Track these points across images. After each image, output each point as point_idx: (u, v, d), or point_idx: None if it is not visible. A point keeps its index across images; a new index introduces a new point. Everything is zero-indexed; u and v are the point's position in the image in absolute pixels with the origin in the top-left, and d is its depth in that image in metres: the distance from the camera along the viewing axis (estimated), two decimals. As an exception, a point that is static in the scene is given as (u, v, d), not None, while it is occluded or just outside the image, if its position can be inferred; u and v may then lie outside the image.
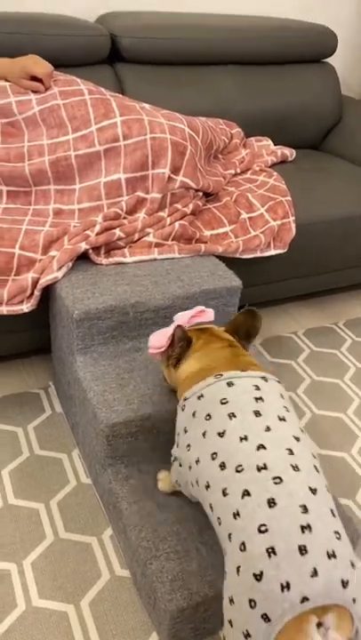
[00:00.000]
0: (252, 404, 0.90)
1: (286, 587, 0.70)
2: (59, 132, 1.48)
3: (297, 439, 0.86)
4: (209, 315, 1.14)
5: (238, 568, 0.75)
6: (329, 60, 2.45)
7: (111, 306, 1.26)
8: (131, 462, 1.22)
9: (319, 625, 0.70)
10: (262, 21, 2.13)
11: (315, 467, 0.84)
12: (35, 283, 1.33)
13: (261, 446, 0.83)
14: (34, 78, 1.50)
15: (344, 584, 0.71)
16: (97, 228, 1.37)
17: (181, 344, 1.06)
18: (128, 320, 1.30)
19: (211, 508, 0.86)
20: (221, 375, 0.96)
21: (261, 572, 0.72)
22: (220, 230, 1.57)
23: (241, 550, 0.76)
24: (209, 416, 0.91)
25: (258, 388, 0.93)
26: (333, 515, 0.78)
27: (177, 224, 1.46)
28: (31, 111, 1.49)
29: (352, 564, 0.73)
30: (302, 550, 0.72)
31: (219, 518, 0.83)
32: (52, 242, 1.36)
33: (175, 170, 1.50)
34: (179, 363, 1.07)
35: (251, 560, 0.74)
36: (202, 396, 0.95)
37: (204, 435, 0.91)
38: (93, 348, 1.30)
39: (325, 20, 2.42)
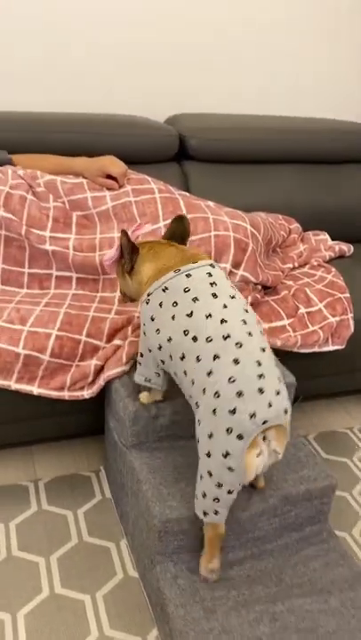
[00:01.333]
0: (209, 288, 1.12)
1: (253, 415, 1.00)
2: (129, 226, 1.57)
3: (246, 311, 1.11)
4: (146, 227, 1.31)
5: (215, 410, 1.01)
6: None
7: (165, 406, 1.29)
8: (180, 560, 1.20)
9: (264, 438, 1.03)
10: (320, 123, 2.24)
11: (260, 331, 1.10)
12: (97, 370, 1.38)
13: (223, 320, 1.07)
14: (109, 176, 1.62)
15: (285, 411, 1.05)
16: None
17: (128, 249, 1.20)
18: (181, 420, 1.31)
19: (185, 373, 1.09)
20: (179, 270, 1.14)
21: (235, 408, 1.00)
22: (279, 323, 1.59)
23: (216, 397, 1.01)
24: (175, 303, 1.11)
25: (210, 274, 1.14)
26: (276, 365, 1.08)
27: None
28: (105, 206, 1.59)
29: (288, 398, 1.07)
30: (261, 391, 1.01)
31: (193, 380, 1.07)
32: (116, 330, 1.42)
33: (236, 264, 1.56)
34: (133, 269, 1.22)
35: (225, 402, 1.01)
36: (166, 288, 1.14)
37: (173, 317, 1.11)
38: (148, 443, 1.31)
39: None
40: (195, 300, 1.10)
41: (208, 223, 1.56)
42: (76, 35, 1.97)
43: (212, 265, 1.16)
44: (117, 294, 1.50)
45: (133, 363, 1.37)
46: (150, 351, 1.18)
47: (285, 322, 1.59)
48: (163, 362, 1.16)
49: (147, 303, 1.16)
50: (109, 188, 1.62)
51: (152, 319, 1.15)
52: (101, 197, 1.60)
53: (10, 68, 1.94)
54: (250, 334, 1.06)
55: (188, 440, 1.33)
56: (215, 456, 1.03)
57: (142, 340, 1.21)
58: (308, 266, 1.89)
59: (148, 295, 1.16)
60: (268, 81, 2.30)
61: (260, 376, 1.02)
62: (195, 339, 1.07)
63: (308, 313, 1.62)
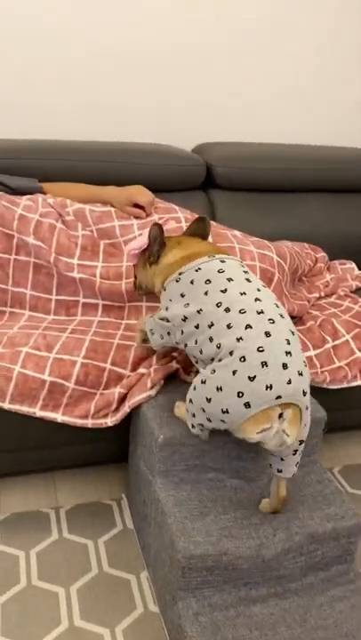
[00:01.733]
0: (242, 274, 1.18)
1: (270, 387, 1.02)
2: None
3: (276, 305, 1.14)
4: (171, 224, 1.37)
5: (235, 371, 1.04)
6: None
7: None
8: (202, 596, 1.18)
9: (280, 416, 1.04)
10: (346, 152, 2.25)
11: (291, 322, 1.14)
12: (121, 398, 1.38)
13: (258, 299, 1.12)
14: (137, 205, 1.64)
15: (304, 393, 1.06)
16: (185, 349, 1.42)
17: (158, 240, 1.26)
18: (211, 450, 1.30)
19: (210, 339, 1.11)
20: (214, 256, 1.21)
21: (255, 376, 1.02)
22: (305, 354, 1.57)
23: (241, 361, 1.04)
24: (209, 281, 1.16)
25: (242, 265, 1.23)
26: (302, 352, 1.11)
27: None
28: (132, 234, 1.61)
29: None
30: (285, 367, 1.04)
31: (219, 343, 1.09)
32: (141, 359, 1.42)
33: (263, 295, 1.56)
34: (158, 259, 1.27)
35: (248, 367, 1.03)
36: (199, 269, 1.19)
37: (206, 293, 1.15)
38: (175, 472, 1.30)
39: None
40: (229, 280, 1.16)
41: (234, 252, 1.56)
42: (103, 62, 2.02)
43: (241, 263, 1.25)
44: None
45: (159, 389, 1.37)
46: (168, 321, 1.22)
47: (312, 353, 1.57)
48: (182, 332, 1.19)
49: (177, 281, 1.21)
50: (137, 217, 1.64)
51: (182, 295, 1.19)
52: (129, 226, 1.62)
53: (37, 98, 1.99)
54: (282, 316, 1.12)
55: (216, 472, 1.32)
56: (214, 405, 1.07)
57: (160, 313, 1.26)
58: (334, 296, 1.88)
59: (180, 274, 1.21)
60: (294, 108, 2.33)
61: (288, 353, 1.05)
62: (227, 309, 1.11)
63: (335, 346, 1.60)
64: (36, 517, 1.49)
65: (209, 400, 1.08)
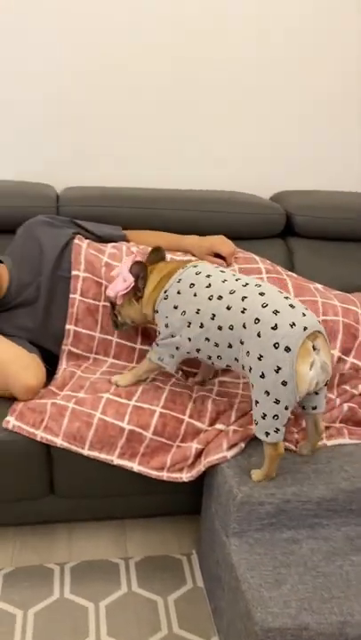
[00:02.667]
0: (215, 269, 1.33)
1: (293, 325, 1.12)
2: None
3: (258, 285, 1.24)
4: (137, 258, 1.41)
5: (259, 333, 1.14)
6: None
7: (273, 492, 1.23)
8: (278, 671, 1.11)
9: (314, 348, 1.13)
10: None
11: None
12: (197, 453, 1.36)
13: (238, 279, 1.26)
14: (218, 255, 1.65)
15: (319, 322, 1.17)
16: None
17: (142, 275, 1.35)
18: (288, 509, 1.25)
19: (220, 328, 1.21)
20: (186, 266, 1.34)
21: (276, 324, 1.12)
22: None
23: (256, 323, 1.15)
24: (192, 284, 1.28)
25: (215, 266, 1.37)
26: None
27: (345, 406, 1.43)
28: (212, 284, 1.61)
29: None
30: (292, 306, 1.16)
31: (231, 325, 1.19)
32: (218, 413, 1.39)
33: (345, 351, 1.51)
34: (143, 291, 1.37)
35: (265, 323, 1.14)
36: (180, 280, 1.31)
37: (195, 295, 1.27)
38: (250, 533, 1.25)
39: None
40: (208, 276, 1.29)
41: (317, 307, 1.52)
42: (184, 113, 2.07)
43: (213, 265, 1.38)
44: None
45: (239, 452, 1.34)
46: (173, 337, 1.31)
47: None
48: (189, 339, 1.28)
49: (165, 299, 1.32)
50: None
51: (175, 307, 1.30)
52: (209, 275, 1.63)
53: (122, 148, 2.07)
54: (263, 282, 1.26)
55: (291, 530, 1.27)
56: (268, 374, 1.12)
57: (162, 332, 1.34)
58: None
59: (166, 292, 1.32)
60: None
61: (287, 298, 1.18)
62: (220, 297, 1.23)
63: None
64: (105, 567, 1.48)
65: (263, 375, 1.13)
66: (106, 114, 2.01)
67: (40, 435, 1.34)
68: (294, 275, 1.68)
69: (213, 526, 1.35)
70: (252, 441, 1.35)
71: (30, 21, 1.84)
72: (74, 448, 1.34)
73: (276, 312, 1.14)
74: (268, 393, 1.13)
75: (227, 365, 1.27)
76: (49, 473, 1.41)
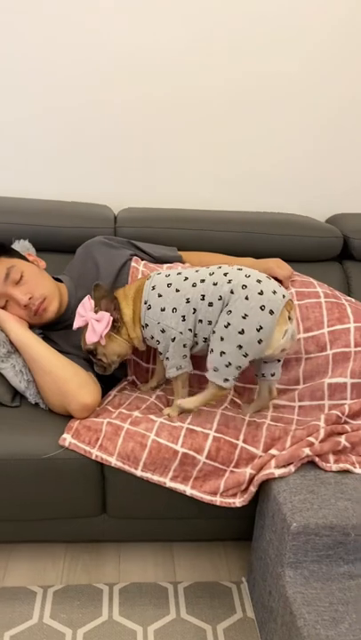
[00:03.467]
0: (182, 269, 1.43)
1: (274, 292, 1.28)
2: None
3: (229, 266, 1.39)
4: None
5: (246, 297, 1.27)
6: None
7: (331, 523, 1.19)
8: None
9: (289, 318, 1.30)
10: None
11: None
12: (251, 479, 1.34)
13: (208, 267, 1.41)
14: (275, 279, 1.63)
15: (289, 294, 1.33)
16: (321, 434, 1.35)
17: (114, 306, 1.39)
18: (347, 541, 1.21)
19: (210, 304, 1.31)
20: (150, 276, 1.43)
21: (261, 290, 1.27)
22: None
23: (243, 288, 1.28)
24: (169, 284, 1.37)
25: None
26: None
27: None
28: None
29: None
30: (268, 278, 1.33)
31: (220, 296, 1.30)
32: (273, 440, 1.37)
33: None
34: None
35: (252, 288, 1.27)
36: (154, 286, 1.39)
37: (176, 290, 1.36)
38: (305, 564, 1.22)
39: None
40: (179, 274, 1.40)
41: (377, 333, 1.49)
42: (240, 132, 2.08)
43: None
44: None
45: (292, 472, 1.31)
46: (174, 339, 1.35)
47: None
48: (190, 330, 1.35)
49: (149, 309, 1.38)
50: (274, 290, 1.63)
51: (163, 309, 1.36)
52: (265, 298, 1.61)
53: (176, 170, 2.10)
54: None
55: (348, 564, 1.22)
56: (249, 332, 1.25)
57: (162, 340, 1.37)
58: None
59: (146, 302, 1.38)
60: None
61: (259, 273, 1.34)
62: (203, 281, 1.34)
63: None
64: (154, 590, 1.46)
65: (242, 332, 1.26)
66: (163, 138, 2.04)
67: (95, 453, 1.35)
68: (353, 299, 1.65)
69: (266, 555, 1.32)
70: (304, 465, 1.33)
71: (102, 55, 1.90)
72: (127, 468, 1.35)
73: (258, 281, 1.29)
74: (240, 347, 1.26)
75: None
76: (102, 492, 1.42)
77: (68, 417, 1.43)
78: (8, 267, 1.48)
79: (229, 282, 1.30)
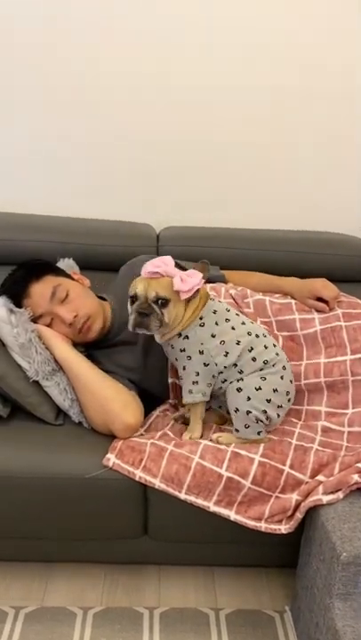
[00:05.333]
0: (229, 307, 1.47)
1: (291, 381, 1.44)
2: (337, 351, 1.52)
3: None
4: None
5: (282, 377, 1.39)
6: None
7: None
8: None
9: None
10: None
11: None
12: (297, 505, 1.30)
13: (246, 324, 1.45)
14: (320, 299, 1.61)
15: None
16: (371, 461, 1.31)
17: (205, 275, 1.38)
18: None
19: (253, 359, 1.38)
20: (210, 297, 1.44)
21: (291, 380, 1.43)
22: None
23: (284, 369, 1.41)
24: (227, 319, 1.41)
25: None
26: None
27: None
28: (313, 329, 1.57)
29: None
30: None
31: (266, 360, 1.38)
32: (321, 466, 1.34)
33: None
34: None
35: (288, 373, 1.42)
36: (215, 311, 1.40)
37: (233, 328, 1.40)
38: (355, 596, 1.18)
39: None
40: (237, 314, 1.45)
41: None
42: (278, 150, 2.08)
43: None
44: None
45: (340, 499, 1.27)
46: (207, 365, 1.37)
47: None
48: (225, 367, 1.37)
49: (201, 326, 1.37)
50: (319, 311, 1.60)
51: (213, 336, 1.37)
52: (310, 320, 1.58)
53: (220, 190, 2.10)
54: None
55: None
56: (274, 402, 1.36)
57: (195, 361, 1.37)
58: None
59: (202, 319, 1.38)
60: None
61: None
62: (257, 335, 1.41)
63: None
64: (195, 616, 1.43)
65: (269, 401, 1.35)
66: (203, 158, 2.05)
67: (139, 474, 1.34)
68: None
69: (314, 585, 1.28)
70: (353, 492, 1.29)
71: (144, 80, 1.93)
72: (171, 491, 1.33)
73: (284, 368, 1.41)
74: (264, 411, 1.36)
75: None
76: (144, 513, 1.41)
77: (111, 436, 1.42)
78: (54, 285, 1.50)
79: (277, 354, 1.40)
